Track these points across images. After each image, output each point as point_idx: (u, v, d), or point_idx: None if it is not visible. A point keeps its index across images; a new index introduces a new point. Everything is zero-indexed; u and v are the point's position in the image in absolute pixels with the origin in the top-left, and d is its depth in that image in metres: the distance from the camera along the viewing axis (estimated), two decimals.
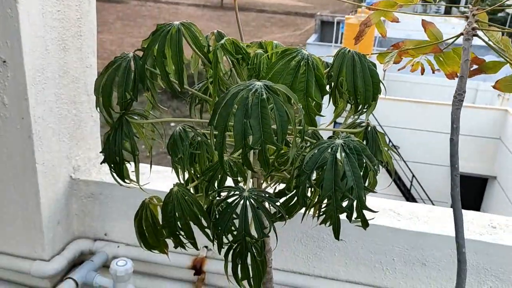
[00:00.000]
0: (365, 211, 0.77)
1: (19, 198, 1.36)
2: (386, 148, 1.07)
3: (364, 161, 0.77)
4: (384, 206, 1.39)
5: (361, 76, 0.89)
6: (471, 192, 9.81)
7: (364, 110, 0.92)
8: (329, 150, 0.76)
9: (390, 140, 10.13)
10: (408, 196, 10.33)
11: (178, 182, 0.93)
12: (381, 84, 0.93)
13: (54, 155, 1.37)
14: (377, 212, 0.80)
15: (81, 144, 1.49)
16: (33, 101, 1.25)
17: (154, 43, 0.85)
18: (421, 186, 10.24)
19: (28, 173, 1.31)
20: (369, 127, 1.02)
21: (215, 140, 0.72)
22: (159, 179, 1.45)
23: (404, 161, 10.17)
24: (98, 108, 0.90)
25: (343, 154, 0.74)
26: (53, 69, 1.32)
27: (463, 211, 1.38)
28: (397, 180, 10.32)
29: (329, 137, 0.82)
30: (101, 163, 0.93)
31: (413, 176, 10.20)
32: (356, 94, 0.89)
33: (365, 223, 0.77)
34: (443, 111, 8.48)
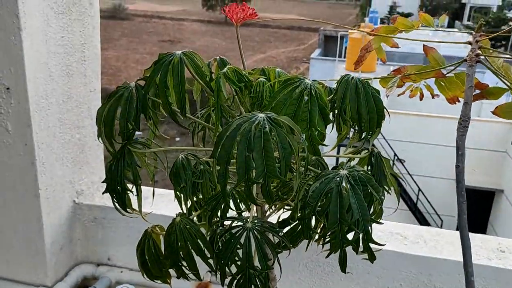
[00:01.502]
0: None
1: (22, 223, 1.35)
2: (391, 173, 1.06)
3: (370, 191, 0.76)
4: (390, 229, 1.37)
5: (365, 104, 0.88)
6: (478, 205, 9.72)
7: (368, 136, 0.91)
8: (334, 182, 0.74)
9: (395, 154, 10.09)
10: (415, 210, 10.26)
11: (181, 212, 0.92)
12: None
13: (57, 180, 1.37)
14: (384, 245, 0.79)
15: (85, 168, 1.49)
16: (37, 127, 1.25)
17: (156, 73, 0.85)
18: (428, 200, 10.17)
19: (30, 199, 1.31)
20: (374, 153, 1.01)
21: (217, 172, 0.71)
22: (163, 203, 1.44)
23: (410, 175, 10.12)
24: (100, 138, 0.90)
25: (348, 185, 0.73)
26: (57, 94, 1.32)
27: (471, 234, 1.36)
28: (403, 194, 10.25)
29: (333, 168, 0.81)
30: (103, 193, 0.92)
31: (419, 189, 10.13)
32: (360, 122, 0.88)
33: (372, 257, 0.75)
34: (449, 125, 8.46)
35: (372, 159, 1.00)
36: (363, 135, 0.90)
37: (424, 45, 1.10)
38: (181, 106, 0.86)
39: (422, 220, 10.25)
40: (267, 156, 0.69)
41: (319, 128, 0.81)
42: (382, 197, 0.99)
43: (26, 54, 1.18)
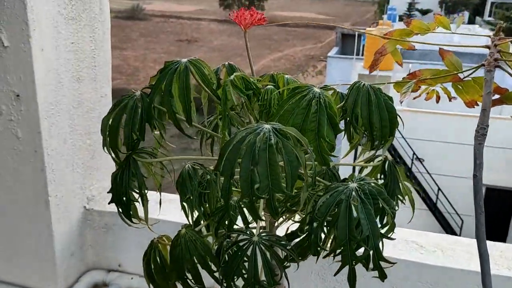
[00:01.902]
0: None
1: (32, 230, 1.35)
2: (406, 182, 1.02)
3: (381, 205, 0.73)
4: (406, 237, 1.33)
5: (377, 111, 0.85)
6: (502, 205, 9.53)
7: (381, 145, 0.88)
8: (343, 195, 0.72)
9: (414, 153, 9.95)
10: (434, 209, 10.11)
11: (187, 223, 0.90)
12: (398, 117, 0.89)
13: (68, 187, 1.36)
14: (394, 264, 0.76)
15: (95, 174, 1.48)
16: (46, 134, 1.25)
17: (162, 81, 0.83)
18: (448, 200, 10.00)
19: (40, 206, 1.31)
20: (387, 161, 0.98)
21: (221, 185, 0.69)
22: (174, 209, 1.43)
23: (429, 174, 9.97)
24: (105, 148, 0.88)
25: (357, 199, 0.70)
26: (67, 101, 1.31)
27: (491, 243, 1.31)
28: (422, 193, 10.11)
29: (343, 180, 0.78)
30: (109, 203, 0.91)
31: (439, 189, 9.97)
32: (372, 130, 0.85)
33: (382, 275, 0.72)
34: (469, 123, 8.30)
35: (386, 167, 0.97)
36: (375, 144, 0.87)
37: (440, 49, 1.06)
38: (187, 115, 0.84)
39: (442, 220, 10.10)
40: (272, 170, 0.66)
41: (328, 139, 0.78)
42: (396, 208, 0.95)
43: (35, 61, 1.18)
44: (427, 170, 10.03)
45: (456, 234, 9.84)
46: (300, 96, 0.77)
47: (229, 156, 0.69)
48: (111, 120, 0.86)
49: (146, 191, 0.94)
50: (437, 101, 1.17)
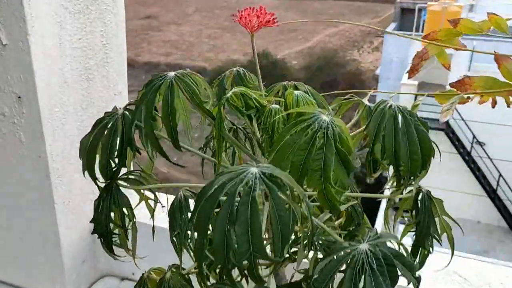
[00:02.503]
0: None
1: (40, 238, 1.29)
2: (445, 217, 0.85)
3: (399, 273, 0.57)
4: (445, 260, 1.15)
5: (405, 142, 0.68)
6: None
7: (409, 182, 0.71)
8: (349, 260, 0.56)
9: (474, 136, 9.40)
10: (494, 196, 9.60)
11: (175, 264, 0.78)
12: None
13: (76, 192, 1.28)
14: None
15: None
16: (50, 138, 1.16)
17: (144, 100, 0.70)
18: (509, 186, 9.44)
19: (47, 213, 1.23)
20: (421, 193, 0.81)
21: (194, 243, 0.56)
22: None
23: (490, 159, 9.43)
24: (85, 174, 0.77)
25: (366, 269, 0.55)
26: (75, 101, 1.22)
27: None
28: (482, 179, 9.60)
29: (352, 236, 0.62)
30: (91, 233, 0.80)
31: (500, 175, 9.42)
32: (398, 165, 0.68)
33: None
34: None
35: (419, 202, 0.80)
36: (402, 181, 0.70)
37: (495, 54, 0.86)
38: (173, 140, 0.71)
39: (502, 208, 9.59)
40: (254, 230, 0.52)
41: (338, 180, 0.63)
42: (430, 252, 0.79)
43: (35, 60, 1.08)
44: (487, 155, 9.49)
45: None
46: (303, 127, 0.61)
47: (204, 209, 0.55)
48: (89, 142, 0.75)
49: (134, 219, 0.83)
50: (493, 106, 0.98)
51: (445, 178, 9.49)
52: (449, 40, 0.89)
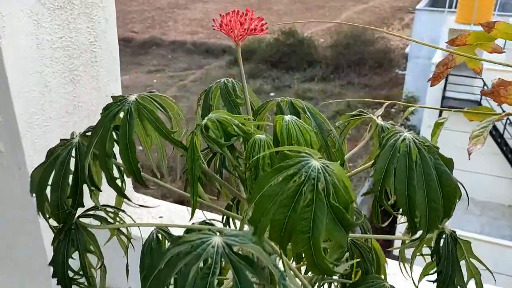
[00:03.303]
0: None
1: (25, 254, 1.20)
2: (472, 259, 0.71)
3: None
4: None
5: (422, 186, 0.53)
6: None
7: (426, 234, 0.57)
8: None
9: (508, 118, 9.00)
10: None
11: None
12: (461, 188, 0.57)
13: None
14: None
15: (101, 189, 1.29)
16: (29, 148, 1.05)
17: (98, 131, 0.57)
18: None
19: (31, 227, 1.14)
20: (444, 236, 0.67)
21: None
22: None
23: None
24: (39, 213, 0.66)
25: None
26: (58, 106, 1.10)
27: None
28: None
29: None
30: (52, 277, 0.69)
31: None
32: (413, 215, 0.54)
33: None
34: None
35: (441, 246, 0.66)
36: (419, 233, 0.56)
37: None
38: (135, 176, 0.59)
39: None
40: None
41: (332, 240, 0.49)
42: None
43: (7, 64, 0.97)
44: None
45: None
46: (286, 176, 0.48)
47: (161, 276, 0.43)
48: (40, 176, 0.63)
49: (102, 259, 0.71)
50: None
51: (474, 160, 9.16)
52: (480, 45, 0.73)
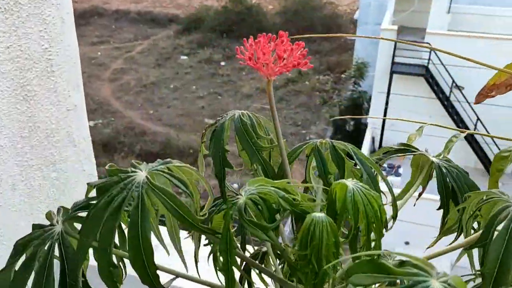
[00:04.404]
0: None
1: None
2: None
3: None
4: None
5: None
6: None
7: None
8: None
9: (453, 81, 9.25)
10: (471, 140, 9.62)
11: None
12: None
13: None
14: None
15: None
16: None
17: (95, 228, 0.40)
18: (486, 129, 9.44)
19: None
20: None
21: None
22: None
23: (469, 103, 9.36)
24: None
25: None
26: (10, 132, 0.90)
27: None
28: (459, 123, 9.58)
29: None
30: None
31: (478, 119, 9.39)
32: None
33: None
34: None
35: None
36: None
37: None
38: (152, 284, 0.42)
39: (478, 151, 9.65)
40: None
41: None
42: None
43: None
44: (466, 99, 9.40)
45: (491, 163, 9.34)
46: None
47: None
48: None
49: None
50: None
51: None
52: None
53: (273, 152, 0.61)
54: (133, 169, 0.41)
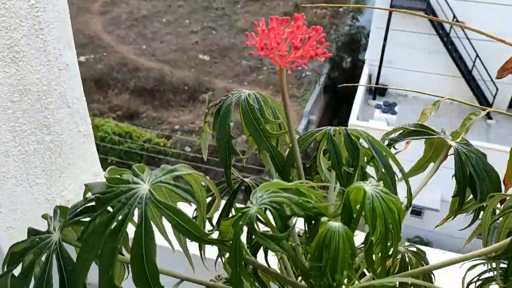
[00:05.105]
0: None
1: None
2: None
3: None
4: None
5: None
6: None
7: None
8: None
9: (454, 16, 9.02)
10: (469, 77, 9.55)
11: None
12: None
13: (24, 207, 0.97)
14: None
15: (68, 173, 1.08)
16: None
17: (95, 249, 0.38)
18: (484, 66, 9.35)
19: None
20: None
21: None
22: None
23: (468, 39, 9.19)
24: None
25: None
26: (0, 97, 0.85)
27: None
28: (458, 60, 9.46)
29: None
30: None
31: (477, 56, 9.26)
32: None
33: None
34: None
35: None
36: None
37: None
38: None
39: (475, 88, 9.60)
40: None
41: None
42: None
43: None
44: (466, 35, 9.21)
45: (488, 102, 9.31)
46: None
47: None
48: None
49: None
50: None
51: (423, 61, 9.27)
52: None
53: (281, 137, 0.57)
54: (134, 179, 0.37)
